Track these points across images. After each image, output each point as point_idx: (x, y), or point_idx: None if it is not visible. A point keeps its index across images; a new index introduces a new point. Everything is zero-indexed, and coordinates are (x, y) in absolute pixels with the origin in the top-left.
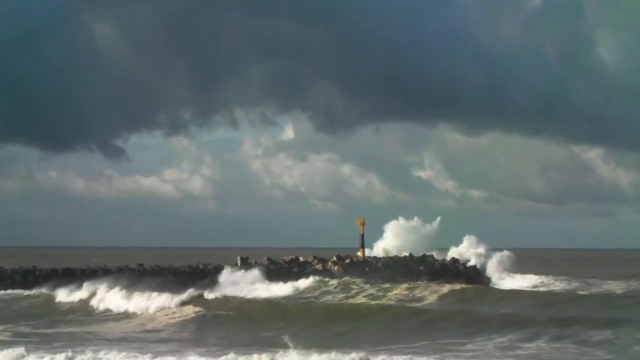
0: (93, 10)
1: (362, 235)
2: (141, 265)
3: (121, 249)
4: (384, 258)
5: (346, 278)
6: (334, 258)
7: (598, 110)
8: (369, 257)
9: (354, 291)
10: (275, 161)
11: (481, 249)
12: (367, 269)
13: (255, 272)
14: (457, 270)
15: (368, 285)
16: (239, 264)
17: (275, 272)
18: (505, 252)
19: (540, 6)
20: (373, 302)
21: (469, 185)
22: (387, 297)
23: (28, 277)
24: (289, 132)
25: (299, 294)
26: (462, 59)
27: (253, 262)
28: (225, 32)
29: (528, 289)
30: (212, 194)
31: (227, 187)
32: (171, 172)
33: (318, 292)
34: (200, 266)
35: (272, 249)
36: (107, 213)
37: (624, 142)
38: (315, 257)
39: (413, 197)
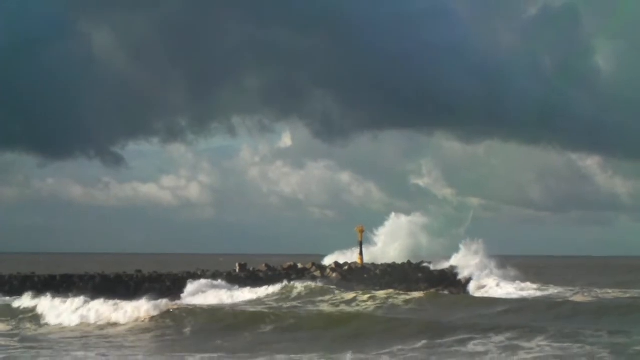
0: (91, 18)
1: (361, 243)
2: (139, 271)
3: (120, 255)
4: (382, 265)
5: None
6: (332, 265)
7: (595, 119)
8: (367, 264)
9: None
10: (272, 169)
11: (478, 260)
12: (365, 276)
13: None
14: (455, 278)
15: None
16: (237, 270)
17: (274, 278)
18: (510, 271)
19: (536, 14)
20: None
21: (467, 193)
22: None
23: (26, 284)
24: (286, 140)
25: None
26: (459, 66)
27: (252, 268)
28: (223, 39)
29: (524, 295)
30: (210, 201)
31: (225, 194)
32: (169, 179)
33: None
34: (199, 273)
35: (271, 255)
36: (105, 220)
37: (621, 151)
38: (313, 264)
39: (411, 205)
